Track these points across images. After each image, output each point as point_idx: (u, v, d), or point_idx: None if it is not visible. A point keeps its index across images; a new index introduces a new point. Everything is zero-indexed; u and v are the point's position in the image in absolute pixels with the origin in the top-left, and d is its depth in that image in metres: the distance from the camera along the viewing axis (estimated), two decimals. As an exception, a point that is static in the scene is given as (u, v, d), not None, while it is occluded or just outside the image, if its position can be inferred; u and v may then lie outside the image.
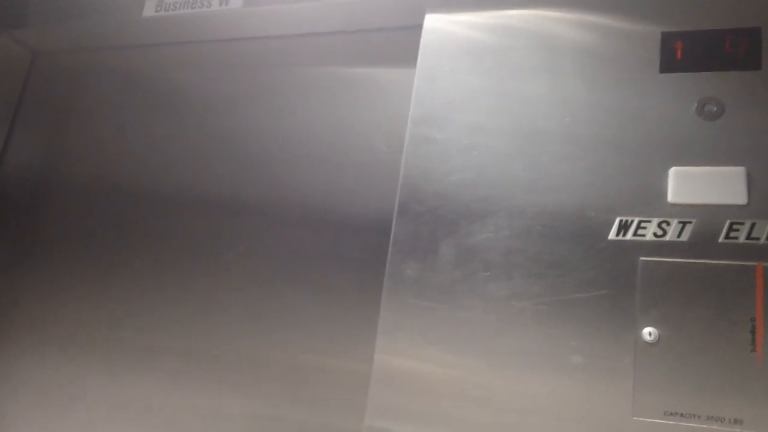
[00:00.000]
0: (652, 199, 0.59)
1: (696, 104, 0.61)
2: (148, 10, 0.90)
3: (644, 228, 0.59)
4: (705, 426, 0.53)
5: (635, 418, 0.55)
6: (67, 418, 0.83)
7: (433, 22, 0.74)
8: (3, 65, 1.00)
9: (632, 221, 0.59)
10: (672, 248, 0.57)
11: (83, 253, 0.90)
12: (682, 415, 0.54)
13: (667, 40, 0.63)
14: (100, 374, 0.83)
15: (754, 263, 0.55)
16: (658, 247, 0.58)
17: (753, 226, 0.56)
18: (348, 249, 0.75)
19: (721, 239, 0.56)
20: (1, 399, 0.88)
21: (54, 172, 0.96)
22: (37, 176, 0.97)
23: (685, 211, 0.58)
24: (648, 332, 0.56)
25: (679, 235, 0.57)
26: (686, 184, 0.58)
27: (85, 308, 0.87)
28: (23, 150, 0.99)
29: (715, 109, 0.60)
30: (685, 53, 0.62)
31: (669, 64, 0.63)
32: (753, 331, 0.53)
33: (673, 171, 0.59)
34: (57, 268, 0.91)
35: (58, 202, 0.95)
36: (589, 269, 0.59)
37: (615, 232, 0.60)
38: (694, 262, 0.56)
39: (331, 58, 0.84)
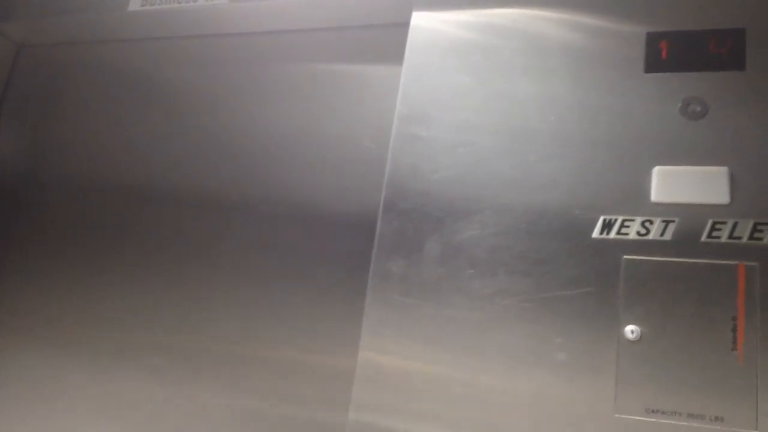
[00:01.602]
0: (635, 198, 0.60)
1: (680, 104, 0.61)
2: (134, 5, 0.89)
3: (628, 227, 0.59)
4: (686, 423, 0.53)
5: (617, 415, 0.55)
6: (51, 413, 0.83)
7: (421, 20, 0.74)
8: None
9: (616, 220, 0.59)
10: (655, 247, 0.58)
11: (67, 248, 0.89)
12: (663, 412, 0.54)
13: (652, 39, 0.64)
14: (83, 370, 0.83)
15: (736, 262, 0.55)
16: (641, 245, 0.58)
17: (735, 225, 0.56)
18: (334, 245, 0.75)
19: (703, 238, 0.57)
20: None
21: (39, 166, 0.96)
22: (22, 171, 0.96)
23: (668, 210, 0.58)
24: (630, 330, 0.56)
25: (662, 234, 0.58)
26: (669, 184, 0.59)
27: (70, 304, 0.87)
28: (7, 144, 0.98)
29: (699, 109, 0.60)
30: (670, 53, 0.63)
31: (654, 63, 0.63)
32: (734, 330, 0.54)
33: (656, 170, 0.60)
34: (41, 264, 0.90)
35: (42, 197, 0.94)
36: (574, 267, 0.60)
37: (599, 231, 0.60)
38: (677, 261, 0.57)
39: (318, 55, 0.84)
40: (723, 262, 0.56)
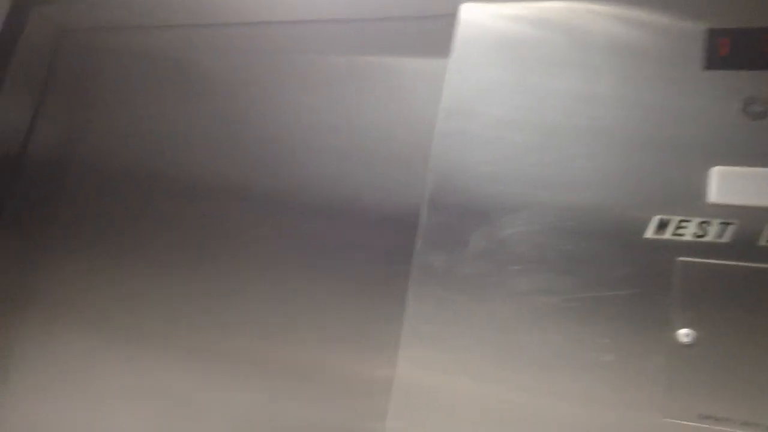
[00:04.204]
0: (691, 199, 0.58)
1: (740, 103, 0.59)
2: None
3: (683, 228, 0.57)
4: (739, 431, 0.52)
5: (666, 419, 0.54)
6: (79, 397, 0.83)
7: (469, 12, 0.73)
8: (30, 42, 0.99)
9: (671, 220, 0.58)
10: (712, 249, 0.56)
11: (102, 234, 0.89)
12: (716, 418, 0.52)
13: (712, 36, 0.62)
14: (116, 355, 0.83)
15: (795, 268, 0.54)
16: (697, 247, 0.56)
17: (795, 229, 0.54)
18: (371, 240, 0.74)
19: (762, 242, 0.55)
20: (14, 377, 0.87)
21: (78, 153, 0.96)
22: (62, 157, 0.97)
23: (726, 212, 0.56)
24: (684, 333, 0.55)
25: (720, 237, 0.56)
26: (728, 185, 0.57)
27: (104, 290, 0.86)
28: (48, 130, 0.99)
29: (760, 109, 0.58)
30: (732, 51, 0.61)
31: (713, 61, 0.61)
32: (792, 337, 0.52)
33: (714, 171, 0.58)
34: (76, 249, 0.90)
35: (80, 182, 0.94)
36: (623, 267, 0.58)
37: (653, 231, 0.58)
38: (735, 265, 0.55)
39: (361, 46, 0.83)
40: (781, 267, 0.54)
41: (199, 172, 0.86)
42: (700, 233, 0.57)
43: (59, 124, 0.98)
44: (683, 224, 0.57)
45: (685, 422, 0.53)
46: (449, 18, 0.73)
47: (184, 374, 0.78)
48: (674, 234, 0.58)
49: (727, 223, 0.56)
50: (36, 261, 0.92)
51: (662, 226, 0.58)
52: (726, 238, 0.56)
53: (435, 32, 0.75)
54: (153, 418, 0.78)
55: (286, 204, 0.79)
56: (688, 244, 0.57)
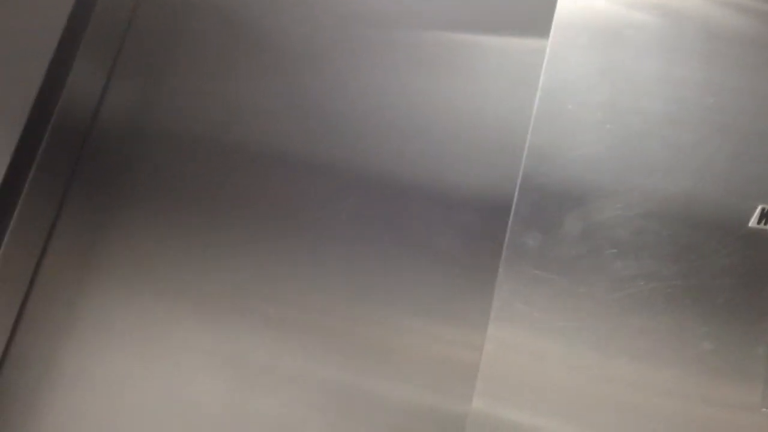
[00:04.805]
0: (798, 190, 0.58)
1: None
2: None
3: (788, 218, 0.57)
4: (841, 425, 0.52)
5: (765, 409, 0.54)
6: (155, 362, 0.84)
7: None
8: (107, 3, 0.99)
9: (776, 210, 0.57)
10: (819, 241, 0.56)
11: (178, 201, 0.90)
12: (814, 411, 0.53)
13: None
14: (189, 321, 0.84)
15: None
16: (801, 239, 0.56)
17: None
18: (462, 220, 0.74)
19: None
20: (89, 342, 0.89)
21: (153, 118, 0.96)
22: (136, 122, 0.97)
23: (835, 205, 0.56)
24: (784, 325, 0.55)
25: (828, 229, 0.56)
26: (838, 177, 0.56)
27: (177, 255, 0.88)
28: (124, 94, 0.99)
29: None
30: None
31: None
32: None
33: (824, 162, 0.57)
34: (151, 216, 0.91)
35: (155, 147, 0.95)
36: (725, 256, 0.58)
37: (756, 220, 0.58)
38: (843, 258, 0.55)
39: (457, 23, 0.82)
40: None
41: (281, 145, 0.86)
42: (806, 225, 0.56)
43: (135, 87, 0.99)
44: (788, 215, 0.57)
45: (782, 413, 0.53)
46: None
47: (262, 344, 0.79)
48: (778, 224, 0.57)
49: (837, 217, 0.56)
50: (109, 227, 0.93)
51: (766, 215, 0.58)
52: (835, 232, 0.55)
53: (534, 12, 0.75)
54: (228, 385, 0.79)
55: (372, 182, 0.80)
56: (792, 235, 0.57)
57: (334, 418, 0.74)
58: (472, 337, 0.69)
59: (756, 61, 0.62)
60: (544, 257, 0.63)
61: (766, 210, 0.58)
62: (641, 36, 0.67)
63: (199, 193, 0.89)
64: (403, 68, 0.83)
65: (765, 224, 0.57)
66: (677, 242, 0.59)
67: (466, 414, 0.61)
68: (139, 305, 0.87)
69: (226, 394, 0.79)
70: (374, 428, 0.72)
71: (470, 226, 0.73)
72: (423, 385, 0.71)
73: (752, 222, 0.58)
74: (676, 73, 0.64)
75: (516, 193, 0.66)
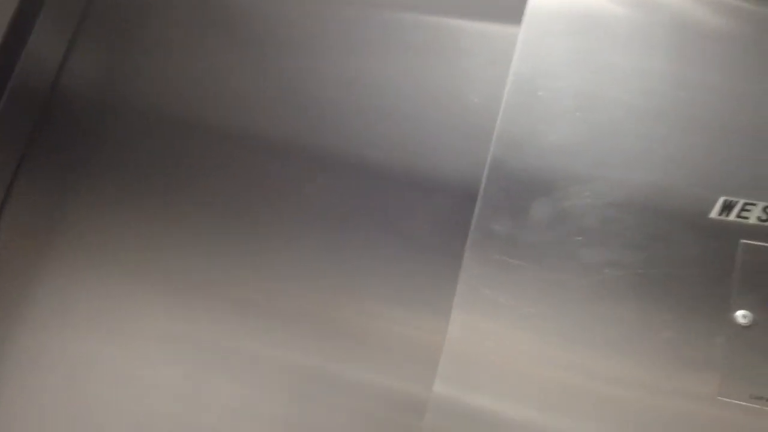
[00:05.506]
0: (757, 183, 0.59)
1: (814, 93, 0.60)
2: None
3: (748, 210, 0.58)
4: (791, 412, 0.53)
5: (720, 398, 0.55)
6: (113, 344, 0.81)
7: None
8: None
9: (737, 202, 0.58)
10: (777, 234, 0.57)
11: (139, 179, 0.87)
12: (767, 399, 0.54)
13: (791, 24, 0.62)
14: (149, 301, 0.81)
15: None
16: (760, 231, 0.57)
17: None
18: (430, 203, 0.74)
19: (827, 231, 0.56)
20: (46, 323, 0.85)
21: (116, 91, 0.93)
22: (98, 93, 0.93)
23: (794, 199, 0.57)
24: (742, 315, 0.56)
25: (787, 222, 0.57)
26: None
27: (140, 236, 0.84)
28: (84, 66, 0.95)
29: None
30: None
31: (790, 49, 0.62)
32: None
33: (785, 157, 0.58)
34: (113, 193, 0.87)
35: (118, 121, 0.91)
36: (688, 246, 0.59)
37: (717, 212, 0.59)
38: (800, 250, 0.56)
39: (430, 6, 0.82)
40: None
41: (249, 125, 0.84)
42: (764, 217, 0.58)
43: (97, 60, 0.95)
44: (748, 207, 0.58)
45: (737, 401, 0.54)
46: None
47: (224, 326, 0.77)
48: (738, 216, 0.58)
49: (795, 210, 0.57)
50: (67, 202, 0.89)
51: (727, 207, 0.59)
52: (793, 225, 0.57)
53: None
54: (189, 367, 0.77)
55: (339, 164, 0.78)
56: (752, 227, 0.58)
57: (296, 401, 0.73)
58: (436, 322, 0.68)
59: (727, 58, 0.63)
60: (511, 244, 0.63)
61: (727, 201, 0.59)
62: (615, 27, 0.67)
63: (162, 172, 0.86)
64: (374, 52, 0.82)
65: (726, 216, 0.59)
66: (643, 231, 0.60)
67: (428, 398, 0.61)
68: (98, 286, 0.84)
69: (186, 377, 0.77)
70: (335, 411, 0.71)
71: (438, 210, 0.73)
72: (385, 368, 0.71)
73: (713, 213, 0.59)
74: (648, 66, 0.65)
75: (484, 179, 0.66)
